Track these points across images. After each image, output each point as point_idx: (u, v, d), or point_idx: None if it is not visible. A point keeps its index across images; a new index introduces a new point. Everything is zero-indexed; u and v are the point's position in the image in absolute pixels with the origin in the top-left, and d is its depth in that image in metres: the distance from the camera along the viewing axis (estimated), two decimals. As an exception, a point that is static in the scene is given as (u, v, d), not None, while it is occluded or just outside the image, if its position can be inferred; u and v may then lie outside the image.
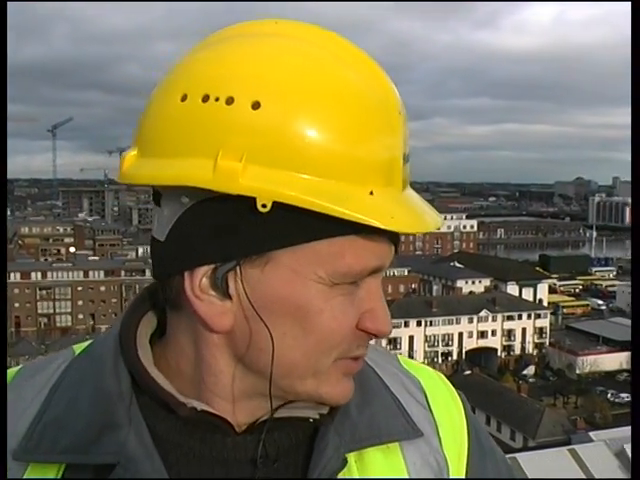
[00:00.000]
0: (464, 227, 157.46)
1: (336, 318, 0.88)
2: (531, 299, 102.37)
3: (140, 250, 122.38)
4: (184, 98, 0.85)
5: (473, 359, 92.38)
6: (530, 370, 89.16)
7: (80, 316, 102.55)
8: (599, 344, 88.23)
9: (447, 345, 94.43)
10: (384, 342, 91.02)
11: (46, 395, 0.95)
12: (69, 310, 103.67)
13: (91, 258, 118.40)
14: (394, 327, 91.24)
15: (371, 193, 0.85)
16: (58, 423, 0.91)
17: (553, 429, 58.88)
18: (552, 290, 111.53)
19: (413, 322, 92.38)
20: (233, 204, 0.82)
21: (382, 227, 0.83)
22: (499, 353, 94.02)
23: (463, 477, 1.08)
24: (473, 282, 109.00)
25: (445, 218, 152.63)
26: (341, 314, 0.88)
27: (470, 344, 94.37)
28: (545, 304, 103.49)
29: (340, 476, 0.95)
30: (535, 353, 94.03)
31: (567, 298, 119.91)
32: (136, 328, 0.97)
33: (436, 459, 1.04)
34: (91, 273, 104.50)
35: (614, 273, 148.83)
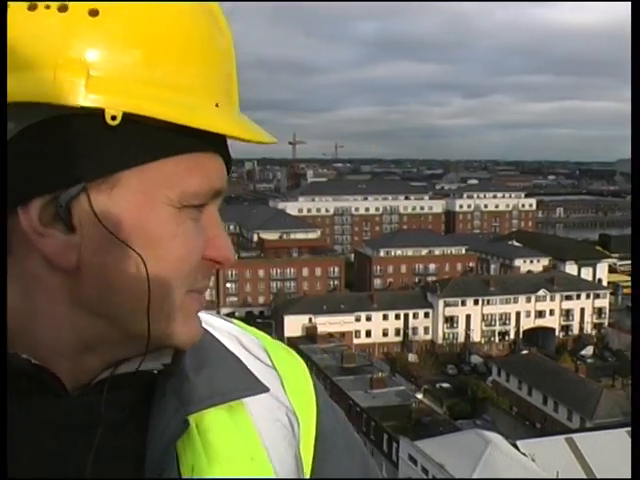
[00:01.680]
0: (522, 206, 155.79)
1: (188, 243, 0.82)
2: (590, 279, 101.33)
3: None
4: (32, 7, 0.75)
5: (530, 339, 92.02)
6: (588, 350, 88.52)
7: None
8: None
9: (504, 324, 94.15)
10: (441, 320, 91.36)
11: None
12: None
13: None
14: (452, 306, 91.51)
15: (217, 105, 0.82)
16: None
17: (611, 410, 58.50)
18: (612, 270, 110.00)
19: (470, 301, 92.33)
20: (72, 122, 0.74)
21: (239, 137, 0.82)
22: (557, 333, 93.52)
23: (313, 436, 1.02)
24: (531, 261, 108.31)
25: (503, 196, 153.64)
26: (192, 239, 0.82)
27: (528, 324, 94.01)
28: (605, 284, 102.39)
29: (180, 441, 0.87)
30: (594, 333, 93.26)
31: (628, 278, 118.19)
32: None
33: (287, 415, 1.00)
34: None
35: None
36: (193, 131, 0.78)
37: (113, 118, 0.74)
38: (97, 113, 0.74)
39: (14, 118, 0.74)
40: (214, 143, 0.82)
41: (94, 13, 0.75)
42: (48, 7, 0.74)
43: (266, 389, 0.97)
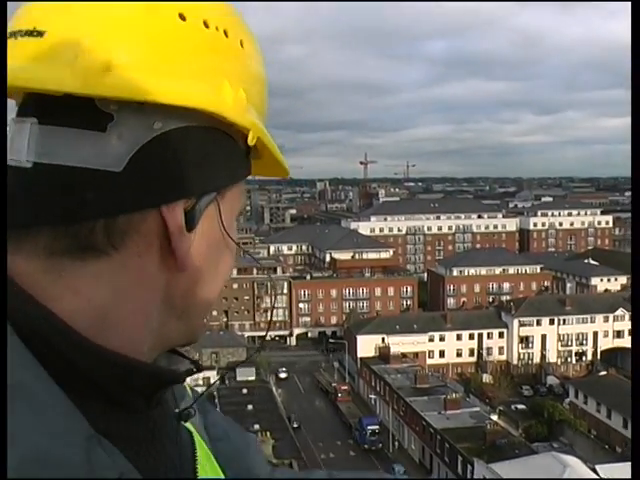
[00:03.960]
0: (599, 223, 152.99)
1: (234, 254, 0.91)
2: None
3: (272, 248, 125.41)
4: (182, 17, 0.80)
5: (609, 359, 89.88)
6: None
7: (214, 313, 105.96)
8: None
9: (581, 344, 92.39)
10: (516, 340, 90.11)
11: None
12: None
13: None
14: (527, 326, 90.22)
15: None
16: (36, 458, 0.68)
17: (695, 433, 56.74)
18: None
19: (546, 320, 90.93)
20: (217, 134, 0.82)
21: (285, 172, 0.98)
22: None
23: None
24: (609, 279, 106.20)
25: (579, 214, 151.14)
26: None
27: (606, 344, 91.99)
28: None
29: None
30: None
31: None
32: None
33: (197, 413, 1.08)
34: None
35: None
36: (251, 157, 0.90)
37: (252, 140, 0.85)
38: (236, 132, 0.84)
39: (162, 118, 0.77)
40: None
41: (241, 44, 0.86)
42: (217, 29, 0.83)
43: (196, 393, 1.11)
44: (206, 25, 0.81)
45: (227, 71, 0.83)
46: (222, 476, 1.06)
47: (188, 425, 0.99)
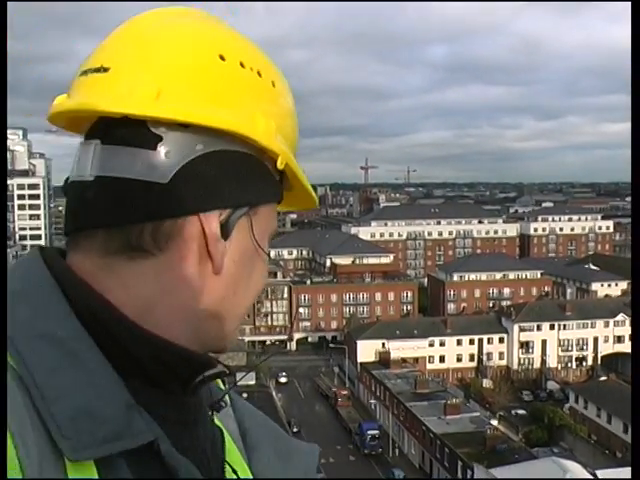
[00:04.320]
0: (599, 228, 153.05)
1: (267, 268, 1.04)
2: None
3: (272, 253, 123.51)
4: (222, 58, 0.94)
5: (609, 365, 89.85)
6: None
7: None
8: None
9: (582, 350, 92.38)
10: (516, 345, 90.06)
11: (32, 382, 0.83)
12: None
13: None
14: (527, 331, 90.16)
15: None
16: (85, 412, 0.83)
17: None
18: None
19: (546, 326, 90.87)
20: (251, 158, 0.95)
21: (314, 201, 1.10)
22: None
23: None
24: (609, 285, 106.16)
25: (579, 219, 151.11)
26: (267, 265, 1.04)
27: (606, 349, 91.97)
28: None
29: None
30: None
31: None
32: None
33: (232, 413, 1.20)
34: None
35: None
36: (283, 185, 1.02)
37: (281, 165, 0.97)
38: (268, 157, 0.96)
39: (204, 141, 0.92)
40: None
41: (273, 85, 0.99)
42: (252, 69, 0.97)
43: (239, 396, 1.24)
44: (242, 65, 0.95)
45: (260, 105, 0.96)
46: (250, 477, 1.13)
47: (219, 423, 1.09)
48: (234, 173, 0.93)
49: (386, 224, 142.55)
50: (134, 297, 0.91)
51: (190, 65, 0.93)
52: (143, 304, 0.91)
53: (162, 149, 0.90)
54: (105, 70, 0.93)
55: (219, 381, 1.16)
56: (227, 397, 1.15)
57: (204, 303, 0.94)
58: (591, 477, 43.62)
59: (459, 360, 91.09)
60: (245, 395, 69.67)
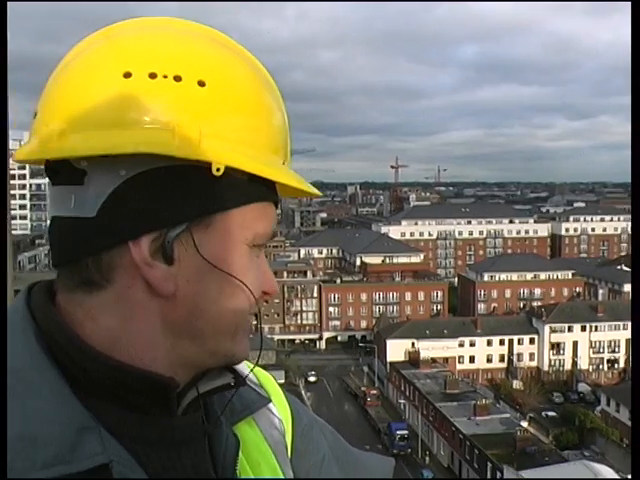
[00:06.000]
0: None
1: (257, 276, 0.99)
2: None
3: (302, 252, 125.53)
4: (127, 75, 0.90)
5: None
6: None
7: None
8: None
9: (613, 352, 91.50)
10: (547, 347, 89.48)
11: None
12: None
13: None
14: (558, 332, 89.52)
15: (283, 163, 1.01)
16: (27, 437, 0.84)
17: None
18: None
19: (577, 327, 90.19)
20: (179, 171, 0.90)
21: (309, 192, 1.04)
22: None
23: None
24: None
25: (612, 219, 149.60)
26: (260, 273, 1.00)
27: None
28: None
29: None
30: None
31: None
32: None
33: (278, 420, 1.18)
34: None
35: None
36: (266, 183, 0.97)
37: (217, 170, 0.90)
38: (203, 165, 0.90)
39: (127, 165, 0.89)
40: (275, 193, 1.00)
41: (202, 84, 0.93)
42: (166, 77, 0.91)
43: (270, 400, 1.18)
44: (153, 76, 0.91)
45: (179, 112, 0.91)
46: None
47: (237, 432, 1.09)
48: (163, 191, 0.90)
49: (416, 223, 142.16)
50: (102, 328, 0.93)
51: (92, 95, 0.90)
52: (110, 334, 0.93)
53: (88, 182, 0.90)
54: (35, 115, 0.96)
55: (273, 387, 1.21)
56: (268, 403, 1.16)
57: (166, 326, 0.94)
58: (622, 481, 43.19)
59: (489, 361, 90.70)
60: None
